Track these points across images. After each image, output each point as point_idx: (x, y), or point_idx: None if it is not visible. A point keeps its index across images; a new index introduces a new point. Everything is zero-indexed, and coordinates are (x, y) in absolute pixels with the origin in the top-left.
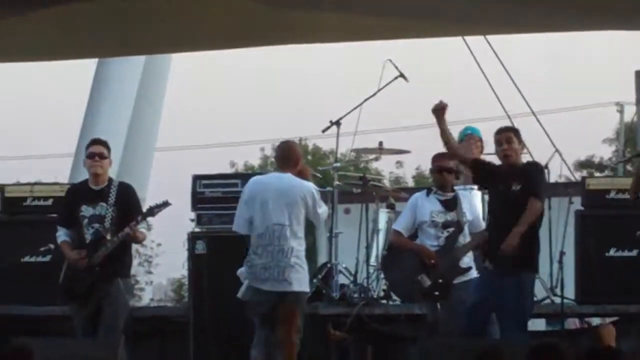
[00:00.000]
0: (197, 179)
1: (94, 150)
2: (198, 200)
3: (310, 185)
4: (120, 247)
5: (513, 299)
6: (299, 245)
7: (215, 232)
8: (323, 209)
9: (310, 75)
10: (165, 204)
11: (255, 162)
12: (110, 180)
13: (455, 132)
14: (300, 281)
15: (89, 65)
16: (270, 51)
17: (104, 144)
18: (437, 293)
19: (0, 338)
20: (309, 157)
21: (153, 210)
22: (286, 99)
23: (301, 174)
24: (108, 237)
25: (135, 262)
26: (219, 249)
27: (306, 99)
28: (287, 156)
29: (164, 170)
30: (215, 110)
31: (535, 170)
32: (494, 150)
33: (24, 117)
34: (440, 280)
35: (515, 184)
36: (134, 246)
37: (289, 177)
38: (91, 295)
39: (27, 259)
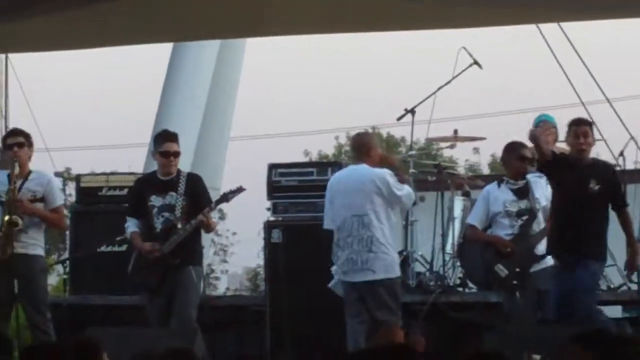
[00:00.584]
0: (272, 167)
1: (168, 149)
2: (274, 189)
3: (382, 171)
4: (192, 236)
5: (584, 289)
6: (380, 233)
7: (291, 221)
8: (405, 191)
9: (384, 63)
10: (240, 189)
11: (330, 150)
12: (178, 171)
13: (529, 120)
14: (386, 268)
15: (163, 52)
16: (343, 38)
17: (177, 139)
18: (515, 282)
19: (77, 327)
20: (383, 146)
21: (227, 196)
22: (360, 87)
23: (384, 162)
24: (179, 225)
25: (210, 251)
26: (295, 237)
27: (380, 87)
28: (359, 148)
29: (239, 159)
30: (290, 98)
31: (619, 178)
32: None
33: (98, 106)
34: (517, 269)
35: (593, 183)
36: (210, 235)
37: (362, 168)
38: (163, 285)
39: (103, 248)
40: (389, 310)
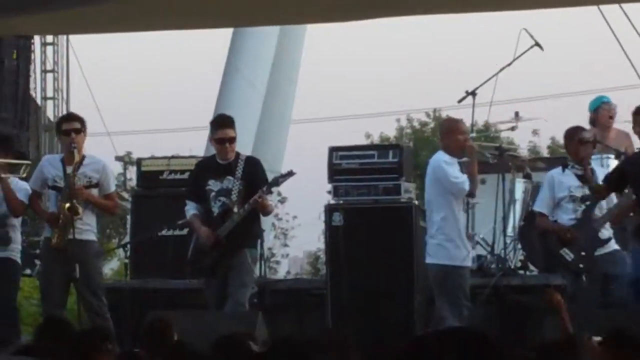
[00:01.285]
0: (333, 150)
1: (223, 135)
2: (334, 172)
3: (437, 159)
4: (249, 219)
5: None
6: (441, 220)
7: (351, 204)
8: (460, 179)
9: (445, 45)
10: (290, 173)
11: (391, 133)
12: (237, 154)
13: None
14: (438, 254)
15: (225, 35)
16: (405, 21)
17: (232, 125)
18: (581, 266)
19: (140, 311)
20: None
21: (278, 180)
22: (421, 69)
23: (447, 149)
24: (235, 209)
25: (271, 235)
26: (356, 220)
27: (442, 69)
28: (439, 134)
29: (301, 142)
30: (350, 80)
31: None
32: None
33: (159, 90)
34: (583, 253)
35: None
36: (270, 219)
37: (436, 154)
38: (218, 268)
39: (164, 232)
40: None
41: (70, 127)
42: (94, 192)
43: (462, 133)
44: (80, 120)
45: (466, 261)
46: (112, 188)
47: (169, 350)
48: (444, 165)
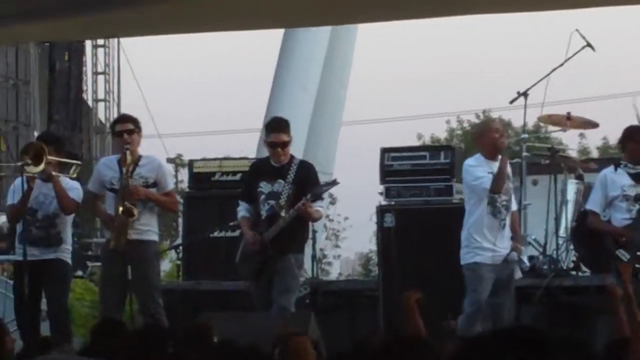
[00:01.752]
0: (385, 151)
1: (276, 139)
2: (386, 173)
3: (464, 163)
4: (295, 224)
5: None
6: (470, 222)
7: (403, 205)
8: (478, 181)
9: (495, 46)
10: (334, 182)
11: (442, 134)
12: (291, 157)
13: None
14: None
15: (276, 37)
16: (455, 21)
17: (286, 129)
18: (637, 265)
19: (190, 313)
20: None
21: (322, 189)
22: (471, 70)
23: (483, 150)
24: (282, 213)
25: (322, 236)
26: (408, 221)
27: (491, 70)
28: (471, 139)
29: (352, 144)
30: (401, 82)
31: None
32: None
33: (210, 92)
34: (639, 253)
35: None
36: (322, 220)
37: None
38: (264, 272)
39: (215, 234)
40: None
41: (123, 128)
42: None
43: (496, 131)
44: (134, 121)
45: (486, 259)
46: (170, 186)
47: (212, 351)
48: (468, 168)
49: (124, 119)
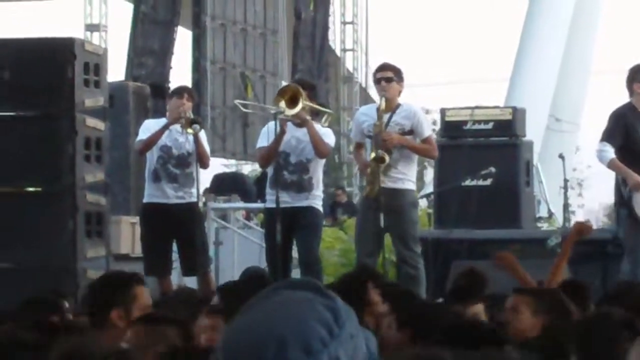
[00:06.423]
0: None
1: None
2: None
3: None
4: None
5: None
6: None
7: None
8: None
9: None
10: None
11: None
12: None
13: None
14: None
15: None
16: None
17: None
18: None
19: (443, 261)
20: None
21: None
22: None
23: None
24: None
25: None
26: None
27: None
28: None
29: (601, 95)
30: None
31: None
32: None
33: (458, 42)
34: None
35: None
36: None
37: None
38: None
39: (467, 182)
40: None
41: (382, 75)
42: (409, 139)
43: None
44: (394, 70)
45: None
46: (427, 132)
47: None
48: None
49: (383, 67)
